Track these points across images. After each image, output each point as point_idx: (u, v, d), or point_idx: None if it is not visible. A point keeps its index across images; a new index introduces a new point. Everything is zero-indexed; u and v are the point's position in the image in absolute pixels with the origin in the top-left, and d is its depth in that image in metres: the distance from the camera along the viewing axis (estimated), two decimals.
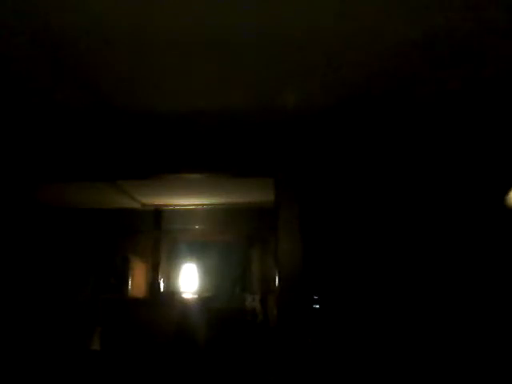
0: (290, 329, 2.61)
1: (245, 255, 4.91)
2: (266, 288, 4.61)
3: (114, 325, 3.70)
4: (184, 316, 3.75)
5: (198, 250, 4.97)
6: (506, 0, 1.49)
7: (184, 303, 4.07)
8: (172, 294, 4.54)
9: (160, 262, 4.76)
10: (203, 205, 4.67)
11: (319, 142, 2.94)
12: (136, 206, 4.50)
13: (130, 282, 4.45)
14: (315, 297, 2.90)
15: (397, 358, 2.68)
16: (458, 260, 2.78)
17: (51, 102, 2.29)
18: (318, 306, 2.89)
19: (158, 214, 4.77)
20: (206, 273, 4.88)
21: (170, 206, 4.66)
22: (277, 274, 2.75)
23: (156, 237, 4.79)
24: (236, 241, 4.97)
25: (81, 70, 1.94)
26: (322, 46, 1.76)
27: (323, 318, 2.86)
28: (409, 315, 2.76)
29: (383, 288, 2.83)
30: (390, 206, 2.94)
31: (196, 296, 4.48)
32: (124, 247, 4.66)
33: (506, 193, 2.76)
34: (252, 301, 4.55)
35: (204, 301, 4.20)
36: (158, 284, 4.67)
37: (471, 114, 2.52)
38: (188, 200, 4.49)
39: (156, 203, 4.57)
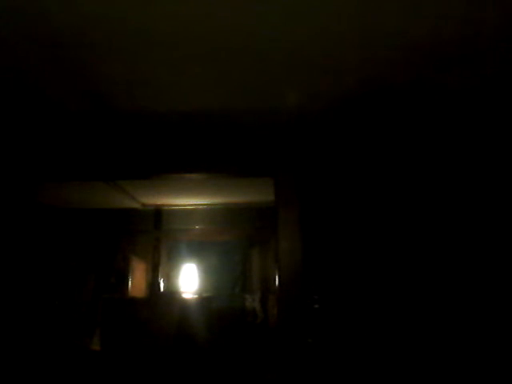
0: (290, 329, 2.61)
1: (245, 255, 4.91)
2: (265, 288, 4.62)
3: (114, 325, 3.70)
4: (184, 316, 3.75)
5: (198, 249, 4.98)
6: (505, 0, 1.49)
7: (184, 303, 4.07)
8: (172, 294, 4.55)
9: (160, 262, 4.76)
10: (203, 205, 4.67)
11: (319, 142, 2.94)
12: (136, 205, 4.50)
13: (130, 282, 4.46)
14: (315, 297, 2.90)
15: (397, 358, 2.68)
16: (460, 259, 2.78)
17: (51, 102, 2.29)
18: (317, 306, 2.89)
19: (158, 213, 4.77)
20: (206, 273, 4.88)
21: (170, 206, 4.66)
22: (277, 274, 2.75)
23: (156, 237, 4.79)
24: (236, 241, 4.97)
25: (81, 70, 1.94)
26: (322, 46, 1.76)
27: (323, 318, 2.86)
28: (409, 315, 2.76)
29: (383, 288, 2.83)
30: (390, 206, 2.94)
31: (196, 296, 4.48)
32: (124, 247, 4.67)
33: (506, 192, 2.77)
34: (252, 301, 4.55)
35: (204, 301, 4.21)
36: (158, 284, 4.67)
37: (471, 114, 2.52)
38: (188, 200, 4.49)
39: (156, 203, 4.58)
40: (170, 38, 1.68)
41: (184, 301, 4.19)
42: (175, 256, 4.94)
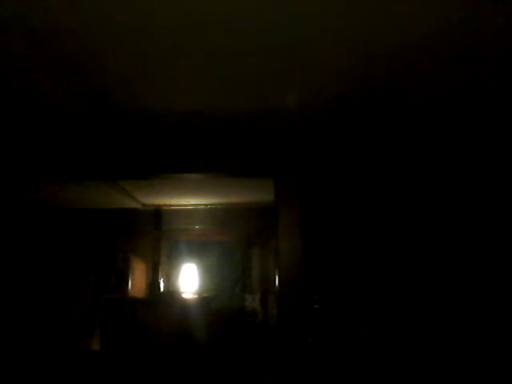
0: (290, 329, 2.61)
1: (245, 255, 4.91)
2: (265, 288, 4.61)
3: (114, 325, 3.70)
4: (184, 316, 3.75)
5: (198, 249, 4.97)
6: (505, 0, 1.49)
7: (184, 303, 4.07)
8: (172, 294, 4.54)
9: (160, 261, 4.76)
10: (203, 205, 4.67)
11: (319, 142, 2.94)
12: (136, 205, 4.50)
13: (130, 282, 4.45)
14: (315, 297, 2.90)
15: (396, 358, 2.68)
16: (459, 259, 2.78)
17: (52, 102, 2.29)
18: (317, 306, 2.89)
19: (158, 213, 4.77)
20: (206, 273, 4.88)
21: (170, 206, 4.66)
22: (277, 274, 2.75)
23: (156, 237, 4.79)
24: (236, 241, 4.97)
25: (81, 70, 1.94)
26: (322, 46, 1.76)
27: (323, 318, 2.86)
28: (409, 314, 2.76)
29: (383, 287, 2.83)
30: (389, 205, 2.94)
31: (196, 296, 4.48)
32: (124, 247, 4.67)
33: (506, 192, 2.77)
34: (252, 301, 4.55)
35: (204, 301, 4.20)
36: (158, 284, 4.67)
37: (472, 114, 2.52)
38: (188, 200, 4.49)
39: (156, 203, 4.58)
40: (170, 37, 1.68)
41: (184, 301, 4.19)
42: (175, 256, 4.93)
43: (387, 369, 2.67)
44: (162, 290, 4.69)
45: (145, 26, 1.61)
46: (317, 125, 2.66)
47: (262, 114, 2.46)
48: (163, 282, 4.77)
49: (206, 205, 4.66)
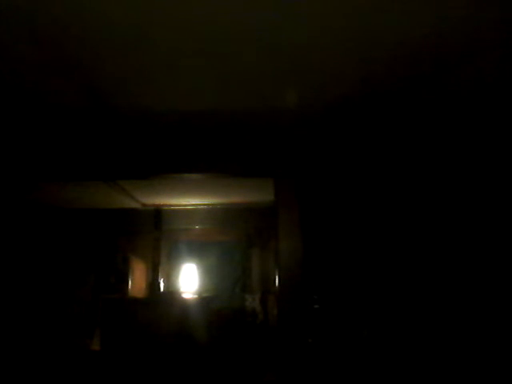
0: (290, 329, 2.61)
1: (245, 255, 4.91)
2: (265, 288, 4.61)
3: (114, 325, 3.70)
4: (184, 316, 3.75)
5: (198, 249, 4.97)
6: (505, 0, 1.49)
7: (184, 303, 4.07)
8: (172, 294, 4.54)
9: (160, 261, 4.76)
10: (203, 205, 4.67)
11: (319, 142, 2.94)
12: (136, 205, 4.50)
13: (130, 282, 4.46)
14: (315, 297, 2.90)
15: (396, 358, 2.68)
16: (458, 259, 2.78)
17: (51, 102, 2.28)
18: (317, 306, 2.89)
19: (158, 213, 4.77)
20: (206, 273, 4.88)
21: (170, 206, 4.66)
22: (277, 274, 2.75)
23: (156, 237, 4.79)
24: (236, 241, 4.97)
25: (81, 69, 1.94)
26: (322, 46, 1.76)
27: (323, 318, 2.86)
28: (409, 314, 2.76)
29: (383, 288, 2.83)
30: (389, 205, 2.94)
31: (196, 296, 4.48)
32: (124, 247, 4.67)
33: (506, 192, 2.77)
34: (252, 301, 4.55)
35: (204, 301, 4.20)
36: (158, 284, 4.67)
37: (471, 114, 2.52)
38: (188, 200, 4.49)
39: (156, 203, 4.58)
40: (169, 37, 1.68)
41: (184, 301, 4.19)
42: (175, 256, 4.93)
43: (387, 369, 2.67)
44: (162, 289, 4.69)
45: (145, 26, 1.61)
46: (317, 125, 2.66)
47: (262, 113, 2.46)
48: (163, 281, 4.77)
49: (206, 205, 4.66)
